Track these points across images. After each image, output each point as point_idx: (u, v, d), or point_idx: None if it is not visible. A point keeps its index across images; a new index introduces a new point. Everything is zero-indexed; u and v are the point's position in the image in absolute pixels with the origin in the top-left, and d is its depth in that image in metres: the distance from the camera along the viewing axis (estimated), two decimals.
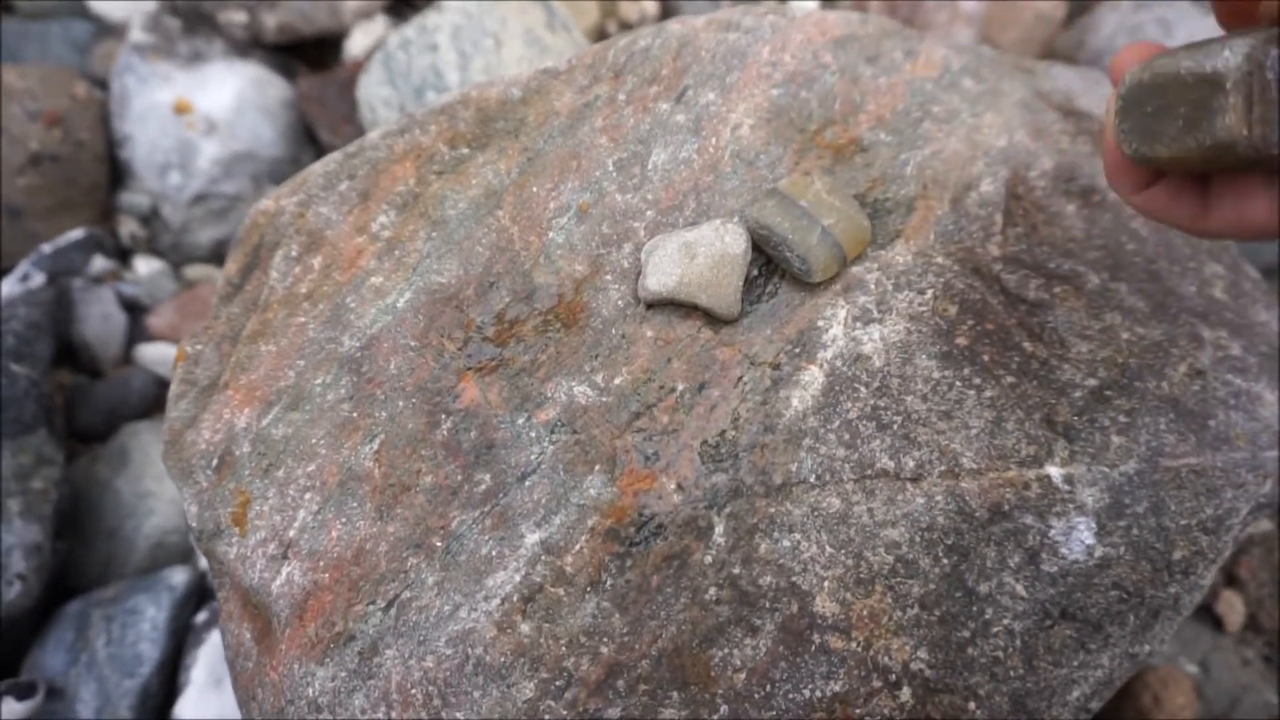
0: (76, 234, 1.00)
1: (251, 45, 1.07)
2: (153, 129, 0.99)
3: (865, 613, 0.42)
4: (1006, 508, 0.43)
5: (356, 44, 1.11)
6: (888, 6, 0.91)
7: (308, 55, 1.14)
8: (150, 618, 0.77)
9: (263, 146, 1.02)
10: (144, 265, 1.04)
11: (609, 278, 0.47)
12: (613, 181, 0.49)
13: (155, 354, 0.99)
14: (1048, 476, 0.44)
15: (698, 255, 0.45)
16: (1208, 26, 0.86)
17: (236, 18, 1.02)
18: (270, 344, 0.49)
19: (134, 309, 1.01)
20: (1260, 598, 0.82)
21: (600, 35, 1.14)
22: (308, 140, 1.06)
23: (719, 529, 0.42)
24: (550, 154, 0.51)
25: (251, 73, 1.03)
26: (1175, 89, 0.31)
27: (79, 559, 0.82)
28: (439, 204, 0.50)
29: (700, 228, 0.45)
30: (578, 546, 0.42)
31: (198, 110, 0.99)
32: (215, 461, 0.47)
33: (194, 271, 1.04)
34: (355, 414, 0.46)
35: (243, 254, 0.55)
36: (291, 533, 0.44)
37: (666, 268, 0.45)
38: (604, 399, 0.45)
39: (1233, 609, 0.82)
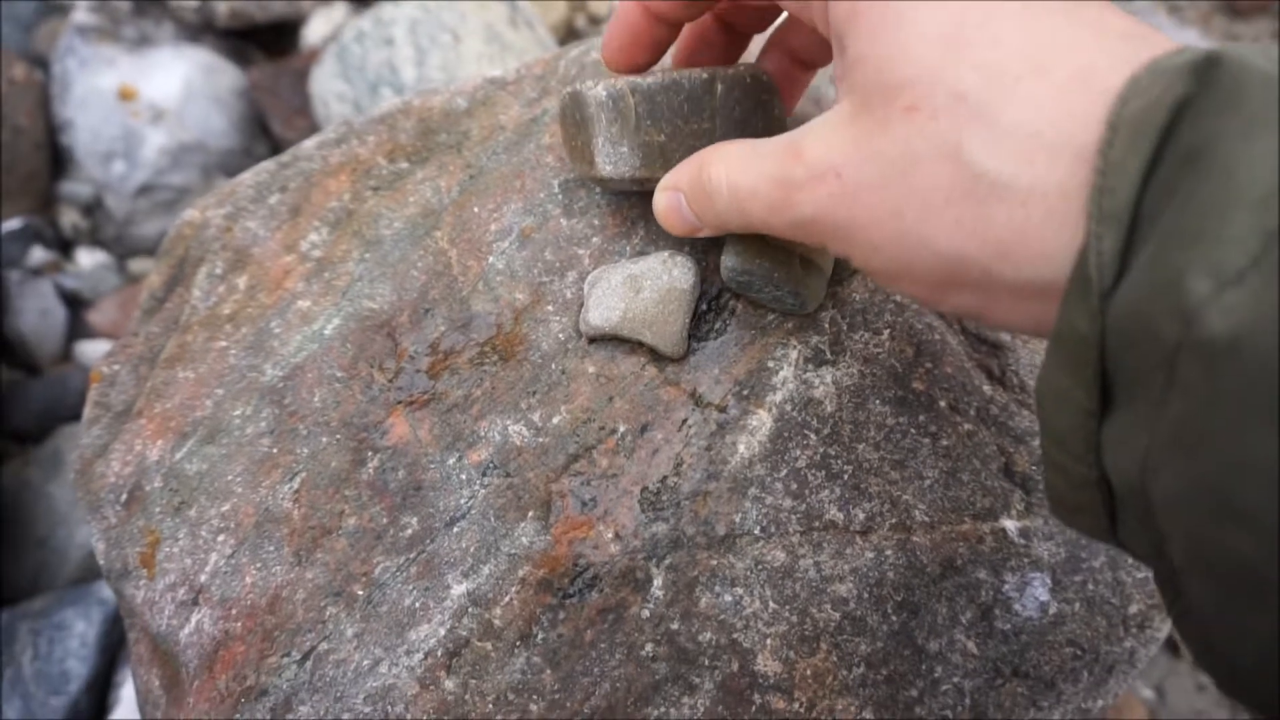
0: (14, 224, 0.95)
1: (203, 29, 1.02)
2: (95, 115, 0.95)
3: (809, 672, 0.40)
4: (959, 562, 0.41)
5: (315, 30, 1.06)
6: None
7: (264, 40, 1.09)
8: (79, 633, 0.74)
9: (213, 137, 0.97)
10: (86, 257, 0.99)
11: (550, 308, 0.44)
12: (558, 204, 0.46)
13: (96, 351, 0.95)
14: (1003, 530, 0.42)
15: (643, 289, 0.42)
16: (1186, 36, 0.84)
17: (187, 1, 0.98)
18: (188, 370, 0.46)
19: (75, 303, 0.97)
20: None
21: (568, 30, 1.10)
22: (261, 132, 1.02)
23: (658, 581, 0.40)
24: (494, 172, 0.48)
25: (202, 59, 0.99)
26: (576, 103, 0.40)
27: (6, 568, 0.79)
28: (374, 223, 0.47)
29: (647, 259, 0.43)
30: (507, 598, 0.40)
31: (143, 97, 0.95)
32: (124, 496, 0.44)
33: (139, 265, 1.00)
34: (275, 450, 0.43)
35: (168, 266, 0.52)
36: (203, 577, 0.41)
37: (610, 302, 0.42)
38: (540, 439, 0.42)
39: None
